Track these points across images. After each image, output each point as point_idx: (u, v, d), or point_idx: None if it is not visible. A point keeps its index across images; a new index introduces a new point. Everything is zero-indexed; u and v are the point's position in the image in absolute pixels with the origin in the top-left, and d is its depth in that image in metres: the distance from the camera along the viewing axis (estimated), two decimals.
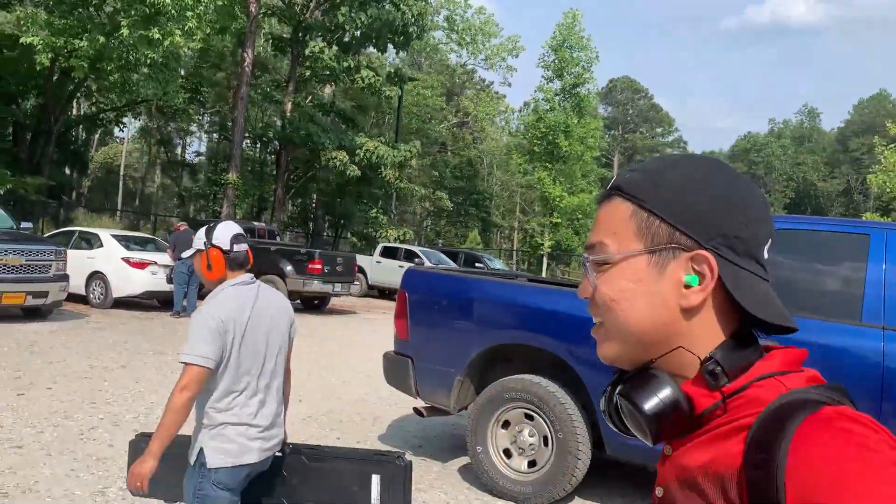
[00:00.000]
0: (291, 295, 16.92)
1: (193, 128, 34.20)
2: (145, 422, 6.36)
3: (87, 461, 5.21)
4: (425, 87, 37.02)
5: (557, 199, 28.43)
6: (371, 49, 29.91)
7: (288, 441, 2.97)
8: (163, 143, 29.65)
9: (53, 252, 11.89)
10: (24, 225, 13.16)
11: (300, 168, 28.99)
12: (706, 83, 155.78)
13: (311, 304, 18.14)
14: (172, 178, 30.41)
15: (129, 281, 14.27)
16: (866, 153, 63.24)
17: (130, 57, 15.67)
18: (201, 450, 2.59)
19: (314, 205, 30.60)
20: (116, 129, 27.98)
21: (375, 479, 2.72)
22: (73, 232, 15.46)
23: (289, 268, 16.84)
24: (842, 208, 74.85)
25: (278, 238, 19.83)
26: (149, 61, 15.31)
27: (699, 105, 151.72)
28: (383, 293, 23.75)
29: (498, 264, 27.05)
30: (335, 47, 25.58)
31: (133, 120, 28.90)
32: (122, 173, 49.36)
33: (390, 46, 28.30)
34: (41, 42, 14.88)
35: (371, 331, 14.71)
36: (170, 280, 14.23)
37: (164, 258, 14.62)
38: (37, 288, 11.52)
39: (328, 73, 25.02)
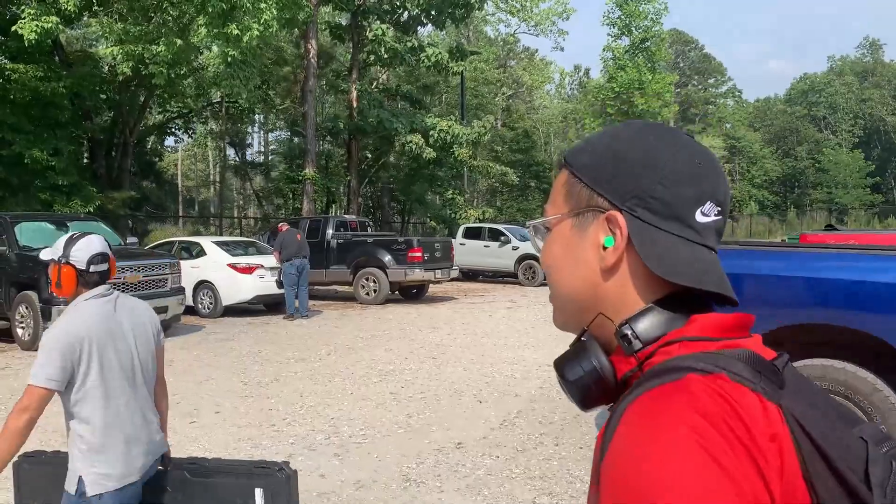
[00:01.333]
0: (392, 286, 16.39)
1: (253, 128, 33.95)
2: (339, 442, 5.77)
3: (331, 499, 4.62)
4: (481, 60, 36.01)
5: None
6: (421, 29, 29.14)
7: (171, 456, 2.85)
8: (234, 146, 29.38)
9: (168, 265, 11.49)
10: (130, 240, 12.83)
11: (369, 156, 28.43)
12: (756, 28, 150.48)
13: (408, 294, 17.56)
14: (248, 180, 30.14)
15: (238, 287, 13.87)
16: None
17: (206, 56, 15.16)
18: (80, 478, 2.49)
19: (379, 193, 30.09)
20: (185, 136, 27.79)
21: (259, 493, 2.67)
22: (172, 242, 15.14)
23: (388, 258, 16.25)
24: None
25: (370, 230, 19.24)
26: (229, 59, 14.79)
27: (750, 51, 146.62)
28: (467, 275, 23.09)
29: None
30: (392, 29, 24.79)
31: (201, 125, 28.69)
32: (179, 180, 49.78)
33: (447, 22, 27.47)
34: (120, 52, 14.49)
35: (488, 316, 14.04)
36: (280, 283, 13.77)
37: (270, 261, 14.18)
38: (156, 304, 11.11)
39: (392, 55, 24.26)
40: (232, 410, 6.83)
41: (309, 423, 6.36)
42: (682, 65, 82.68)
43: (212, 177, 61.77)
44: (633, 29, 27.87)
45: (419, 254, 16.32)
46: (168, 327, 11.87)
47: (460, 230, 23.77)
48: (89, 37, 26.56)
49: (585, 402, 0.84)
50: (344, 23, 27.05)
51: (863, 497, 0.70)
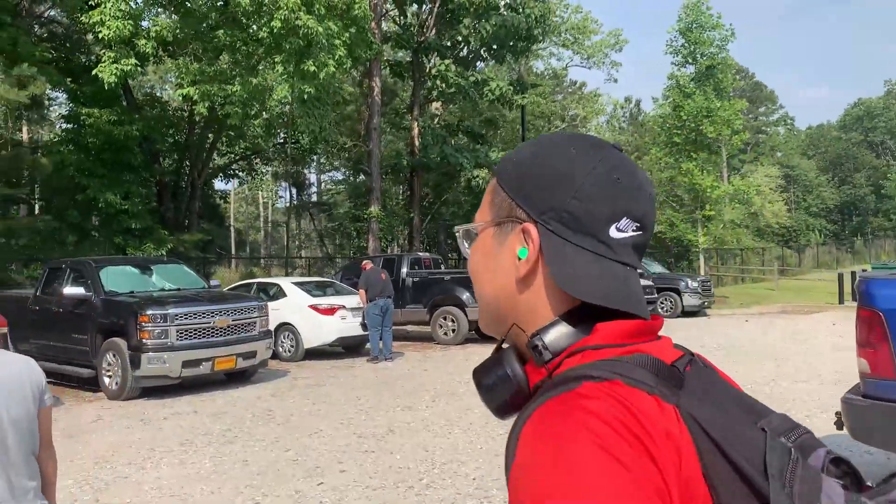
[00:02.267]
0: (472, 325, 15.70)
1: (310, 168, 33.92)
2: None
3: None
4: (538, 94, 35.60)
5: (709, 190, 26.34)
6: (480, 64, 28.84)
7: None
8: (296, 186, 29.30)
9: (257, 308, 11.02)
10: (213, 283, 12.43)
11: (429, 193, 28.00)
12: (806, 55, 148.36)
13: (483, 333, 16.83)
14: (311, 220, 29.98)
15: (320, 329, 13.34)
16: None
17: (276, 94, 14.91)
18: None
19: (435, 229, 29.58)
20: (248, 177, 27.76)
21: None
22: (251, 284, 14.74)
23: (467, 296, 15.60)
24: None
25: (443, 267, 18.67)
26: (305, 97, 14.51)
27: (798, 78, 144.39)
28: None
29: (657, 268, 25.13)
30: (454, 65, 24.50)
31: (263, 166, 28.69)
32: (232, 221, 50.04)
33: (507, 56, 27.13)
34: (197, 92, 14.32)
35: None
36: (364, 325, 13.21)
37: (351, 301, 13.66)
38: (246, 349, 10.66)
39: (456, 90, 23.93)
40: (357, 468, 6.19)
41: (451, 484, 5.67)
42: (732, 94, 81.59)
43: (262, 218, 62.23)
44: (697, 56, 27.16)
45: None
46: (253, 373, 11.37)
47: None
48: (152, 81, 26.80)
49: (500, 410, 0.85)
50: (403, 60, 26.90)
51: (758, 487, 0.72)
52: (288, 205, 29.31)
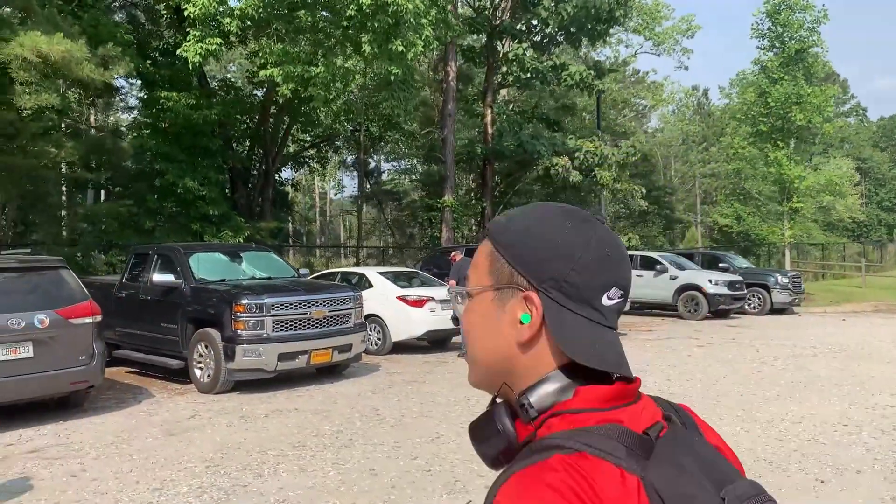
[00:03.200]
0: None
1: (377, 157, 33.35)
2: None
3: None
4: (614, 80, 34.41)
5: (797, 181, 24.87)
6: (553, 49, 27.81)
7: None
8: (367, 175, 28.77)
9: (352, 299, 10.39)
10: (301, 272, 11.85)
11: (500, 182, 27.18)
12: (879, 42, 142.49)
13: None
14: (381, 208, 29.49)
15: (408, 322, 12.68)
16: None
17: (357, 76, 14.28)
18: None
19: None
20: (318, 166, 27.31)
21: None
22: (334, 274, 14.17)
23: None
24: None
25: None
26: (393, 78, 13.84)
27: (869, 67, 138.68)
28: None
29: (742, 262, 23.87)
30: (529, 49, 23.58)
31: (333, 154, 28.23)
32: (292, 212, 49.91)
33: (583, 41, 26.10)
34: (280, 73, 13.77)
35: (687, 356, 12.33)
36: (456, 318, 12.51)
37: (440, 293, 12.96)
38: (342, 341, 10.04)
39: (533, 75, 23.03)
40: None
41: None
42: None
43: (317, 208, 62.13)
44: (786, 39, 25.69)
45: None
46: (345, 368, 10.77)
47: None
48: (213, 71, 26.43)
49: (493, 463, 0.93)
50: (476, 45, 26.10)
51: None
52: (355, 194, 28.82)
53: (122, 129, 19.07)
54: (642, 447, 0.82)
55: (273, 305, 9.36)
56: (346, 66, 14.10)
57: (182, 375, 10.18)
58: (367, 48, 13.44)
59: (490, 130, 24.37)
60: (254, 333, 9.24)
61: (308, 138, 25.04)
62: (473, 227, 24.97)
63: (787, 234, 26.70)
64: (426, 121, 25.70)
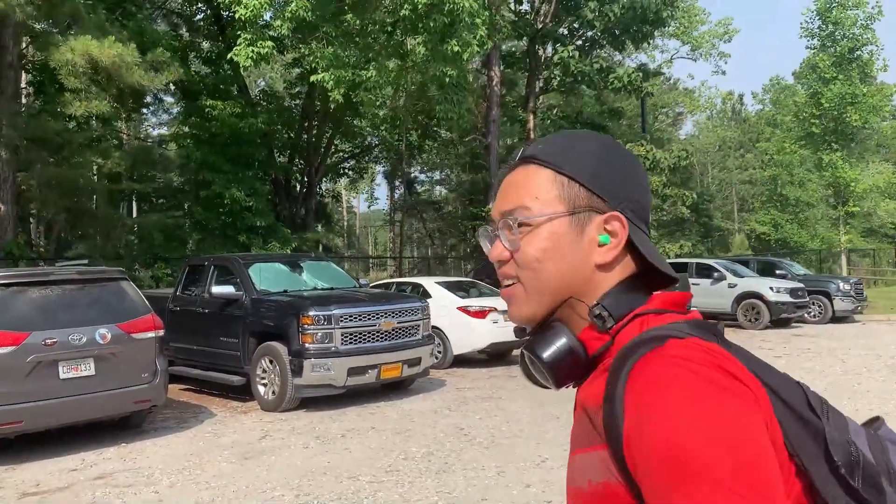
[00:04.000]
0: None
1: (414, 166, 32.85)
2: None
3: None
4: (656, 84, 33.61)
5: (853, 185, 23.87)
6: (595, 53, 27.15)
7: None
8: (407, 185, 28.26)
9: (421, 310, 9.78)
10: (362, 282, 11.28)
11: None
12: None
13: None
14: (422, 218, 28.94)
15: (471, 333, 12.04)
16: None
17: (420, 78, 13.75)
18: None
19: None
20: (357, 176, 26.83)
21: None
22: (389, 284, 13.59)
23: None
24: None
25: None
26: (448, 79, 13.27)
27: None
28: None
29: (799, 269, 22.95)
30: (576, 52, 22.94)
31: (372, 164, 27.77)
32: (332, 223, 49.53)
33: (627, 44, 25.44)
34: (332, 78, 13.28)
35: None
36: (521, 329, 11.83)
37: (502, 303, 12.31)
38: (411, 355, 9.43)
39: (579, 78, 22.38)
40: None
41: None
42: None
43: (344, 220, 61.80)
44: (837, 38, 24.81)
45: None
46: (411, 383, 10.15)
47: None
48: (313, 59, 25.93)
49: (559, 380, 0.93)
50: (517, 51, 25.54)
51: (810, 421, 0.84)
52: (386, 206, 28.21)
53: (164, 139, 18.71)
54: (724, 339, 0.86)
55: (342, 317, 8.78)
56: (397, 67, 13.56)
57: (243, 392, 9.65)
58: (421, 49, 12.90)
59: (532, 136, 23.73)
60: (322, 347, 8.66)
61: (348, 148, 24.58)
62: None
63: (844, 239, 25.68)
64: (467, 128, 25.16)
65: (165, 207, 17.54)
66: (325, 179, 25.26)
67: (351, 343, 8.84)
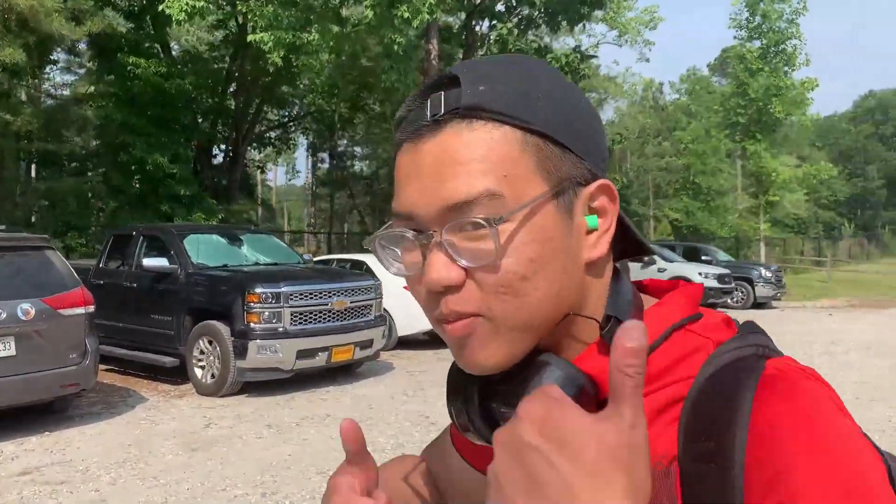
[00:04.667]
0: None
1: (340, 140, 31.81)
2: None
3: None
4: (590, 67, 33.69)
5: (774, 174, 24.61)
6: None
7: None
8: (333, 157, 27.21)
9: (374, 288, 9.23)
10: (304, 257, 10.61)
11: None
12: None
13: None
14: (350, 193, 27.92)
15: (417, 315, 11.52)
16: None
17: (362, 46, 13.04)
18: None
19: None
20: (284, 147, 25.56)
21: None
22: (328, 261, 12.92)
23: None
24: None
25: None
26: (396, 47, 12.61)
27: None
28: None
29: (724, 255, 23.54)
30: (513, 29, 22.58)
31: (301, 135, 26.54)
32: (259, 195, 47.77)
33: (562, 25, 25.26)
34: (271, 39, 12.40)
35: None
36: None
37: None
38: (363, 336, 8.88)
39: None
40: None
41: None
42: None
43: (259, 194, 59.82)
44: (764, 30, 25.42)
45: None
46: (359, 365, 9.60)
47: None
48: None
49: None
50: (454, 25, 24.95)
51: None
52: (312, 177, 27.06)
53: (78, 98, 17.18)
54: None
55: (291, 295, 8.14)
56: (339, 32, 12.81)
57: (174, 375, 8.89)
58: (369, 13, 12.20)
59: None
60: (269, 327, 8.00)
61: (275, 117, 23.43)
62: None
63: (763, 227, 26.52)
64: (399, 103, 24.45)
65: (75, 172, 16.14)
66: (250, 149, 24.08)
67: (300, 323, 8.21)
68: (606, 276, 0.66)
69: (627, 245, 0.69)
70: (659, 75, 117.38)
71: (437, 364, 10.39)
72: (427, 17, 12.68)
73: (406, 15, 12.34)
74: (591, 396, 0.61)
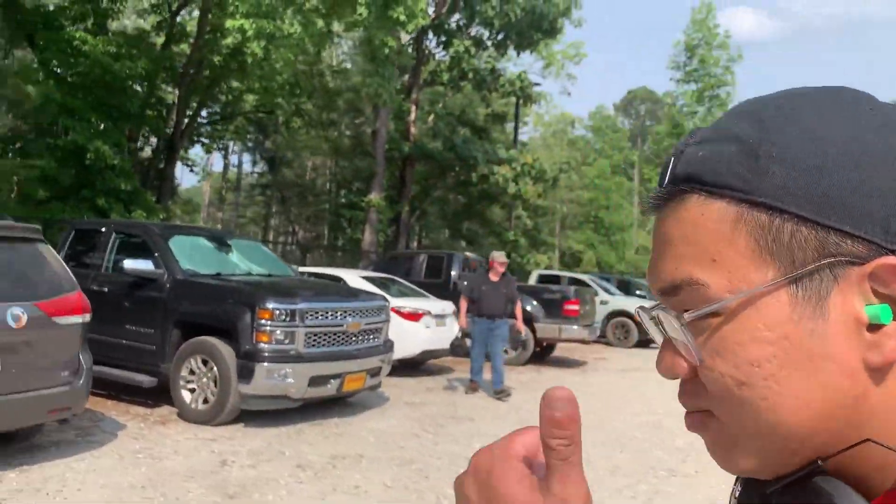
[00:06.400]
0: (539, 344, 13.47)
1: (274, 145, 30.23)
2: None
3: None
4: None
5: None
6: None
7: None
8: (267, 162, 25.67)
9: (384, 310, 8.36)
10: (293, 269, 9.57)
11: (419, 187, 25.37)
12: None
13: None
14: (284, 201, 26.31)
15: (404, 338, 10.65)
16: None
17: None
18: None
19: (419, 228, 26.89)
20: (214, 145, 23.80)
21: None
22: (302, 273, 11.83)
23: (538, 310, 13.41)
24: None
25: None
26: (387, 50, 11.80)
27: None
28: None
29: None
30: (470, 47, 22.22)
31: (233, 134, 24.81)
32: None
33: (510, 48, 25.15)
34: (252, 27, 11.32)
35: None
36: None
37: (436, 306, 11.15)
38: (373, 364, 7.99)
39: (468, 76, 21.61)
40: None
41: None
42: (649, 124, 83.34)
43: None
44: (701, 76, 26.21)
45: (576, 307, 13.55)
46: (352, 395, 8.63)
47: (532, 278, 21.02)
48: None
49: None
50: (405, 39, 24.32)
51: None
52: (250, 180, 25.42)
53: (19, 69, 15.18)
54: None
55: (308, 313, 7.18)
56: (328, 29, 11.90)
57: (145, 395, 7.71)
58: (363, 11, 11.37)
59: (413, 129, 22.62)
60: (281, 349, 7.01)
61: (211, 114, 21.82)
62: (388, 233, 22.91)
63: None
64: (350, 112, 23.48)
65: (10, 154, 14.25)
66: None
67: (314, 346, 7.25)
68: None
69: None
70: (574, 109, 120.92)
71: (430, 395, 9.61)
72: (422, 21, 11.99)
73: (402, 18, 11.58)
74: None
